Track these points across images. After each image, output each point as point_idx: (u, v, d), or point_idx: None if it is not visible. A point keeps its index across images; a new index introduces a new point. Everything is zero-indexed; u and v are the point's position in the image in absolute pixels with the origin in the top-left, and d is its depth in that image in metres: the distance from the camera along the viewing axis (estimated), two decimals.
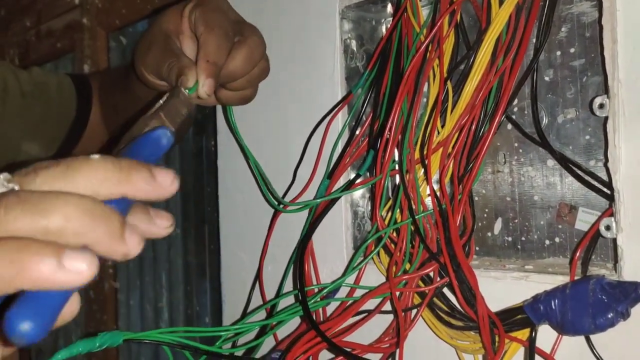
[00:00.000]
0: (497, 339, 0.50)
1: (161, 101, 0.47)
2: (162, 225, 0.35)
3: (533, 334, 0.49)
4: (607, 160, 0.48)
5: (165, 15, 0.57)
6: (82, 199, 0.29)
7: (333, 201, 0.63)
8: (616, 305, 0.44)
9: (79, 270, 0.28)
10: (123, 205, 0.32)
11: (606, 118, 0.48)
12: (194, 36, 0.55)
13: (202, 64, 0.51)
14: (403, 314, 0.55)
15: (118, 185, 0.31)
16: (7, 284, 0.28)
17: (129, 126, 0.44)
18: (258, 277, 0.72)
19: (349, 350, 0.55)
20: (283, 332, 0.65)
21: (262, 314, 0.68)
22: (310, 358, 0.56)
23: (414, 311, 0.56)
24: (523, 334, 0.50)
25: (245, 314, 0.66)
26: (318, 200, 0.64)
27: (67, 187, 0.30)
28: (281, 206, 0.68)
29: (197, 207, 1.17)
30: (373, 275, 0.61)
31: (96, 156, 0.31)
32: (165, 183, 0.33)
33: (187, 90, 0.50)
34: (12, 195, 0.29)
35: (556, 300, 0.47)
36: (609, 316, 0.44)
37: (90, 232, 0.29)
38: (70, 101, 0.75)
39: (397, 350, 0.54)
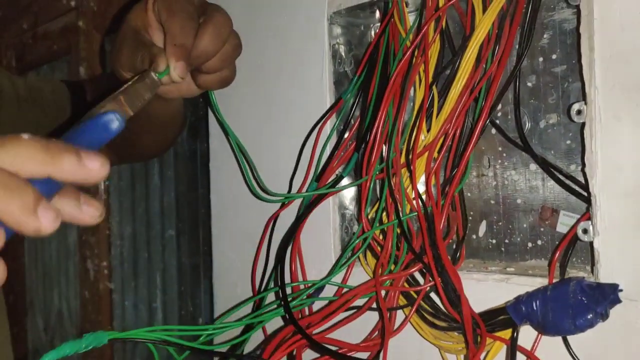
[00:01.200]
0: (479, 339, 0.51)
1: (126, 85, 0.48)
2: (88, 212, 0.36)
3: (515, 334, 0.50)
4: (584, 165, 0.49)
5: (132, 12, 0.59)
6: None
7: (318, 200, 0.64)
8: (595, 306, 0.45)
9: None
10: (49, 187, 0.33)
11: (583, 124, 0.49)
12: (161, 27, 0.56)
13: (170, 48, 0.52)
14: (388, 313, 0.56)
15: (42, 165, 0.33)
16: None
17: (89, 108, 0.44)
18: (251, 277, 0.73)
19: (331, 348, 0.56)
20: (272, 326, 0.66)
21: (248, 309, 0.69)
22: (295, 352, 0.57)
23: (400, 314, 0.58)
24: (505, 334, 0.51)
25: (230, 310, 0.67)
26: (302, 195, 0.65)
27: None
28: (264, 195, 0.69)
29: (191, 208, 1.18)
30: (359, 276, 0.62)
31: (26, 136, 0.33)
32: (93, 167, 0.34)
33: (157, 75, 0.51)
34: None
35: (537, 302, 0.48)
36: (589, 317, 0.45)
37: (2, 203, 0.31)
38: (65, 107, 0.76)
39: (382, 350, 0.55)
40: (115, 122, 0.40)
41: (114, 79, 0.72)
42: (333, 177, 0.66)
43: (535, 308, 0.47)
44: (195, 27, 0.55)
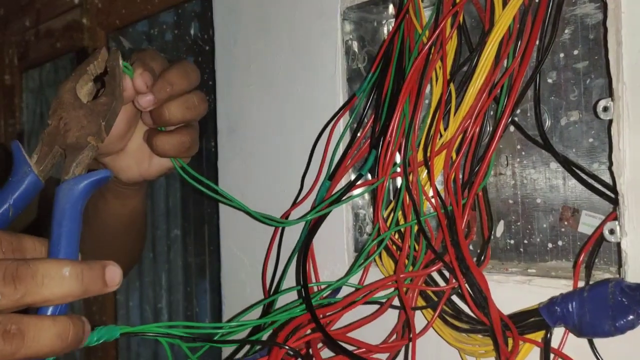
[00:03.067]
0: (510, 341, 0.49)
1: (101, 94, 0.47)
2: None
3: (548, 336, 0.48)
4: (611, 163, 0.47)
5: None
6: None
7: (334, 203, 0.63)
8: (637, 307, 0.44)
9: None
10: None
11: (610, 121, 0.47)
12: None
13: (137, 64, 0.52)
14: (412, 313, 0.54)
15: (76, 297, 0.41)
16: None
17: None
18: (262, 278, 0.71)
19: (352, 348, 0.55)
20: None
21: (258, 312, 0.68)
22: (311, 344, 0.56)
23: (418, 315, 0.56)
24: (535, 336, 0.49)
25: (244, 311, 0.65)
26: (314, 215, 0.63)
27: (36, 299, 0.39)
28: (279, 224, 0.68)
29: (197, 208, 1.17)
30: (376, 278, 0.60)
31: (66, 271, 0.39)
32: (113, 282, 0.43)
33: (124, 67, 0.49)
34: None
35: (574, 303, 0.46)
36: (630, 318, 0.44)
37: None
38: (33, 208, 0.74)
39: (410, 348, 0.54)
40: (104, 180, 0.43)
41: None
42: (347, 176, 0.65)
43: (571, 310, 0.46)
44: (164, 63, 0.55)
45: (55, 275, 0.39)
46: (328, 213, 0.63)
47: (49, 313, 0.39)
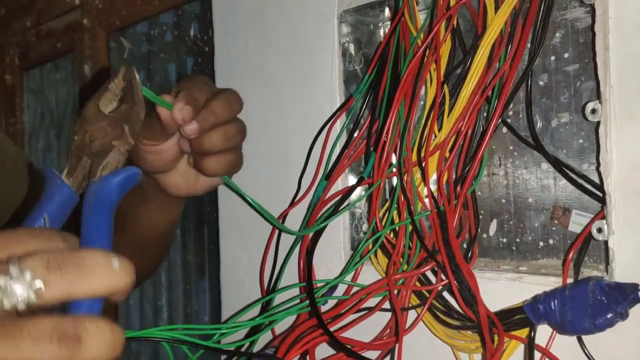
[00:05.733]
0: (496, 338, 0.51)
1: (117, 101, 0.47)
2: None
3: (532, 333, 0.50)
4: (599, 164, 0.49)
5: None
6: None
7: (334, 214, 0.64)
8: (615, 306, 0.45)
9: None
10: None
11: (598, 123, 0.49)
12: None
13: (181, 94, 0.54)
14: (402, 313, 0.56)
15: (121, 291, 0.36)
16: None
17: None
18: (260, 276, 0.73)
19: (348, 346, 0.56)
20: (280, 327, 0.66)
21: (257, 309, 0.69)
22: (308, 353, 0.57)
23: (412, 312, 0.58)
24: (521, 333, 0.51)
25: (242, 310, 0.67)
26: (312, 229, 0.64)
27: (84, 290, 0.34)
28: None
29: (197, 207, 1.18)
30: (370, 275, 0.62)
31: (115, 262, 0.35)
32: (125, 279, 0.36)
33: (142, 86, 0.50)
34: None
35: (556, 301, 0.48)
36: (609, 316, 0.45)
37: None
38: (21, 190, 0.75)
39: (397, 347, 0.55)
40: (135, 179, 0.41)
41: None
42: (343, 177, 0.66)
43: (553, 307, 0.47)
44: (210, 92, 0.56)
45: (104, 264, 0.34)
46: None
47: (82, 309, 0.35)
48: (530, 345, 0.49)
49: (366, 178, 0.63)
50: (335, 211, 0.63)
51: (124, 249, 0.67)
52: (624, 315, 0.45)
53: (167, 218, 0.70)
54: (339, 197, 0.64)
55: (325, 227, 0.64)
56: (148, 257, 0.76)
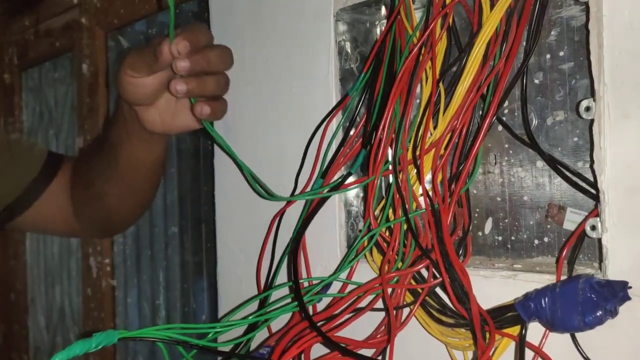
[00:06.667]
0: (487, 335, 0.51)
1: None
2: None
3: (523, 331, 0.50)
4: (592, 162, 0.49)
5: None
6: None
7: (324, 199, 0.64)
8: (605, 303, 0.45)
9: None
10: None
11: (592, 121, 0.49)
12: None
13: (181, 33, 0.61)
14: (394, 312, 0.56)
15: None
16: None
17: None
18: (256, 274, 0.73)
19: (342, 345, 0.56)
20: (275, 325, 0.66)
21: (254, 307, 0.69)
22: (303, 353, 0.57)
23: (406, 309, 0.58)
24: (513, 330, 0.51)
25: (236, 308, 0.67)
26: (307, 197, 0.65)
27: None
28: (269, 195, 0.69)
29: (194, 206, 1.18)
30: (366, 273, 0.62)
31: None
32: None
33: None
34: None
35: (546, 299, 0.48)
36: (598, 314, 0.45)
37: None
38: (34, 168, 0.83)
39: (388, 347, 0.55)
40: None
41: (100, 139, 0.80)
42: (339, 174, 0.66)
43: (544, 305, 0.47)
44: (210, 40, 0.64)
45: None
46: (320, 207, 0.64)
47: None
48: (521, 343, 0.49)
49: (353, 173, 0.63)
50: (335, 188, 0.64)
51: (115, 182, 0.77)
52: (613, 313, 0.45)
53: (150, 155, 0.76)
54: (333, 182, 0.65)
55: (311, 219, 0.64)
56: (137, 195, 0.83)
